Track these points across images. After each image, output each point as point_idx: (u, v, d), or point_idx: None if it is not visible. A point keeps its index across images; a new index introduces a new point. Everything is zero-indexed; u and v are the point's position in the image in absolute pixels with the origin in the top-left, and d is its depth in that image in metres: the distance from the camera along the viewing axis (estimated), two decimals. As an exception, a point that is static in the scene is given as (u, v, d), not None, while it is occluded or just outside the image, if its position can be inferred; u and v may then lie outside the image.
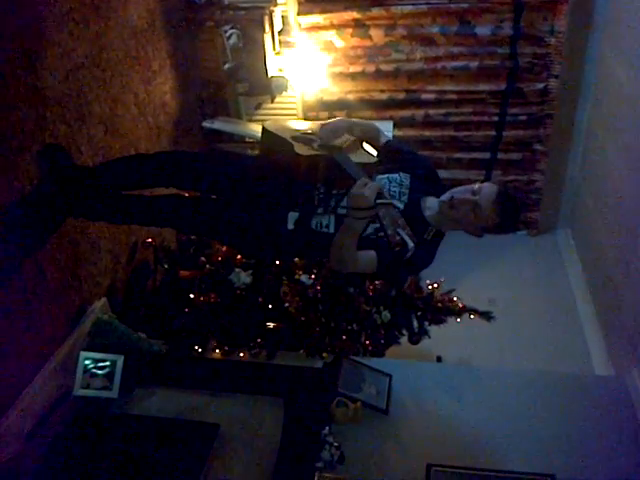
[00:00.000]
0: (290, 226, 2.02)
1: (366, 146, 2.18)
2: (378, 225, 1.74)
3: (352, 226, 1.79)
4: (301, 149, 1.95)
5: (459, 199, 1.91)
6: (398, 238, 1.61)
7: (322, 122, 2.10)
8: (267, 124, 2.13)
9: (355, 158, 1.98)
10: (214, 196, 2.30)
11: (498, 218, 1.91)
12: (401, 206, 1.96)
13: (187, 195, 2.47)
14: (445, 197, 1.96)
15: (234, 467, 2.33)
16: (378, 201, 1.71)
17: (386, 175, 2.05)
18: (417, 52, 4.02)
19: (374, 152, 2.17)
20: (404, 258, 1.64)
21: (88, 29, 2.63)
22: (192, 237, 3.12)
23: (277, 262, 2.85)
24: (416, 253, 1.77)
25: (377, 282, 2.91)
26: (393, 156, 2.15)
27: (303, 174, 1.99)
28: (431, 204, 2.02)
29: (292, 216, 2.02)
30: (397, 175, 2.05)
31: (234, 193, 2.17)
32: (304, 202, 2.02)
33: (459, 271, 3.73)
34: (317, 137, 2.04)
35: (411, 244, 1.60)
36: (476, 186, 1.93)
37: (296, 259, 2.83)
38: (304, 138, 2.04)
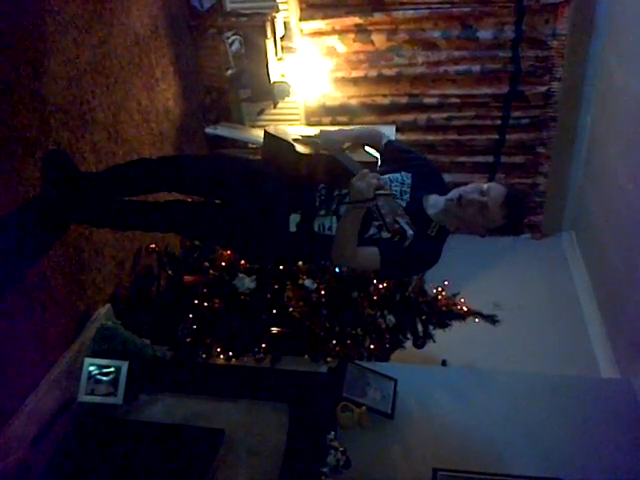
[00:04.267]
0: (292, 228, 2.02)
1: (367, 149, 2.19)
2: (380, 220, 1.76)
3: (351, 215, 1.80)
4: (302, 149, 1.97)
5: (467, 199, 1.90)
6: (397, 226, 1.62)
7: (322, 129, 2.11)
8: (269, 128, 2.14)
9: (357, 157, 1.99)
10: (217, 200, 2.30)
11: (504, 220, 1.90)
12: (403, 205, 1.95)
13: (190, 200, 2.47)
14: (453, 195, 1.94)
15: (239, 473, 2.32)
16: (378, 192, 1.73)
17: (388, 175, 2.05)
18: (419, 56, 4.03)
19: (376, 154, 2.17)
20: (404, 245, 1.64)
21: (91, 36, 2.65)
22: (195, 242, 3.12)
23: (280, 266, 2.84)
24: (421, 250, 1.78)
25: (382, 286, 2.90)
26: (394, 156, 2.16)
27: (305, 175, 2.00)
28: (434, 202, 2.00)
29: (294, 218, 2.02)
30: (399, 174, 2.05)
31: (236, 196, 2.18)
32: (306, 204, 2.02)
33: (464, 275, 3.71)
34: (318, 141, 2.05)
35: (410, 232, 1.61)
36: (485, 186, 1.90)
37: (300, 263, 2.83)
38: (305, 140, 2.05)
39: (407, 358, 3.11)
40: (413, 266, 2.05)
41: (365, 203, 1.74)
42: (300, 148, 1.98)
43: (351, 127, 2.21)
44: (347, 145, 2.06)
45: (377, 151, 2.17)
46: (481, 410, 2.67)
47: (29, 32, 2.22)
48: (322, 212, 1.99)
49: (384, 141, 2.18)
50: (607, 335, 3.57)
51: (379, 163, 2.09)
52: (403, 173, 2.05)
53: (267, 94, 3.97)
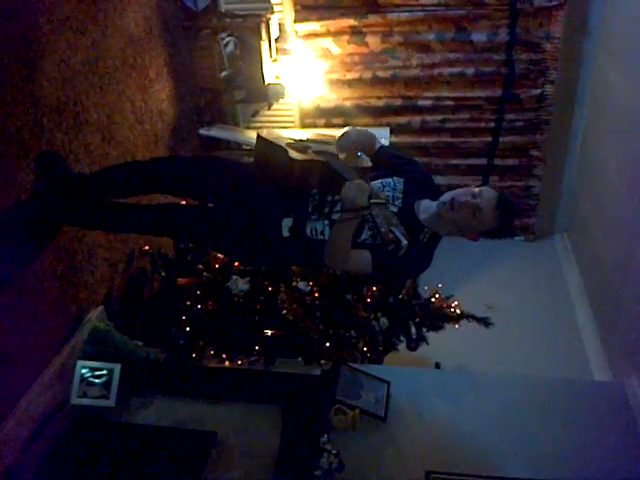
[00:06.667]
0: (285, 233, 2.02)
1: (360, 154, 2.18)
2: (374, 229, 1.75)
3: (345, 222, 1.81)
4: (296, 155, 1.96)
5: (460, 202, 1.90)
6: (392, 235, 1.64)
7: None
8: (262, 132, 2.13)
9: (351, 163, 1.99)
10: (210, 204, 2.29)
11: (496, 222, 1.92)
12: (395, 210, 1.96)
13: (183, 203, 2.46)
14: (445, 199, 1.94)
15: (232, 475, 2.32)
16: (372, 201, 1.73)
17: (380, 180, 2.05)
18: (413, 59, 4.04)
19: (368, 159, 2.17)
20: (398, 255, 1.65)
21: (85, 37, 2.64)
22: (189, 245, 3.11)
23: (274, 270, 2.84)
24: (413, 255, 1.79)
25: (375, 288, 2.91)
26: (386, 161, 2.16)
27: (298, 180, 1.99)
28: (426, 207, 2.01)
29: (286, 223, 2.02)
30: (391, 179, 2.05)
31: (229, 200, 2.17)
32: (298, 208, 2.01)
33: (457, 277, 3.73)
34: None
35: (404, 241, 1.63)
36: (476, 190, 1.92)
37: (293, 267, 2.82)
38: (298, 145, 2.04)
39: (400, 361, 3.12)
40: (404, 272, 2.06)
41: (359, 212, 1.74)
42: (293, 153, 1.96)
43: (349, 128, 2.15)
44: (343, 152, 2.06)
45: (369, 156, 2.17)
46: (474, 412, 2.68)
47: (22, 32, 2.21)
48: (314, 217, 1.99)
49: (377, 146, 2.17)
50: (600, 337, 3.59)
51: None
52: (395, 178, 2.05)
53: (261, 96, 3.97)
